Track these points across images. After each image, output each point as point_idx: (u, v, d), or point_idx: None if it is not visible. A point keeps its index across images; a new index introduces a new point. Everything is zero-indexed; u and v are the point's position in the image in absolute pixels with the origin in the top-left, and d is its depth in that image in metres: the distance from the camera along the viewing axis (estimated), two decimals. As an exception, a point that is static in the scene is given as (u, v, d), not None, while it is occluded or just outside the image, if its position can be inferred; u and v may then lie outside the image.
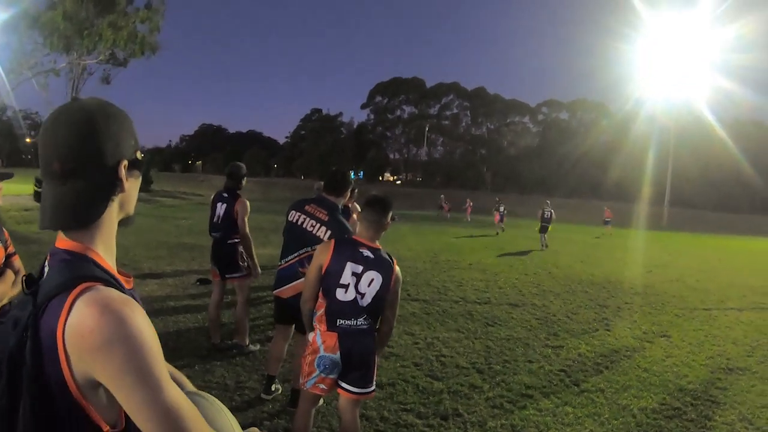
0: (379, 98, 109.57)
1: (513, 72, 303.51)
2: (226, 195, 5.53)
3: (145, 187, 29.25)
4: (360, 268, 3.06)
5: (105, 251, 1.09)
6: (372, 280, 3.07)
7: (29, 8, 26.80)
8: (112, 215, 1.11)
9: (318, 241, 3.90)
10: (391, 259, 3.19)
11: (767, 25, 62.39)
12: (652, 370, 5.99)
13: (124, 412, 1.00)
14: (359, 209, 4.47)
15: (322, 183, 4.45)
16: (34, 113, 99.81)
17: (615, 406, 4.89)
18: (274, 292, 4.31)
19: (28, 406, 0.94)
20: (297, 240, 4.09)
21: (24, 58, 29.22)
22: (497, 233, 25.75)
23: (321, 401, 4.17)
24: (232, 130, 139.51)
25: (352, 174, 6.01)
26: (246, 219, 5.45)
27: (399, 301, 3.27)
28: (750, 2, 63.52)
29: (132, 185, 1.14)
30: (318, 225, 4.00)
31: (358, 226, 3.35)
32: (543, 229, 20.42)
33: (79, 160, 1.03)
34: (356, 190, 5.90)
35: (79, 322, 0.92)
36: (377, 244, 3.19)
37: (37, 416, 0.94)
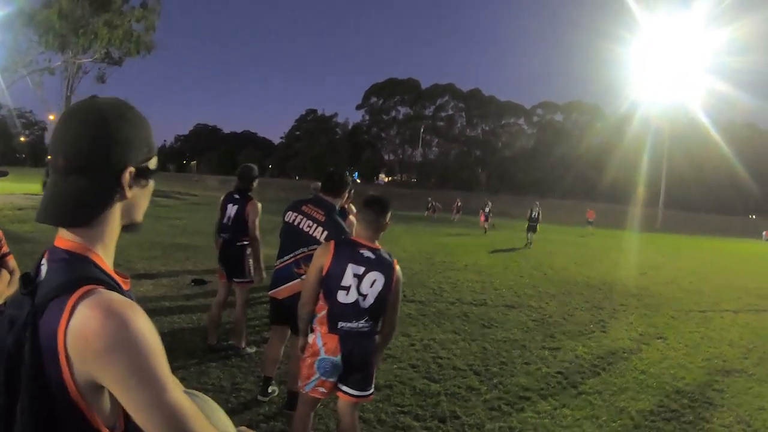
0: (374, 99, 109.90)
1: (508, 74, 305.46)
2: (237, 196, 5.41)
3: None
4: (362, 269, 3.02)
5: (105, 253, 1.08)
6: (374, 280, 3.03)
7: (24, 6, 26.75)
8: (114, 219, 1.09)
9: (314, 241, 3.88)
10: (392, 259, 3.16)
11: (762, 27, 63.11)
12: (649, 372, 5.98)
13: (123, 415, 1.00)
14: (354, 210, 4.43)
15: (319, 183, 4.42)
16: (29, 112, 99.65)
17: (613, 408, 4.88)
18: (270, 292, 4.26)
19: (26, 405, 0.93)
20: (293, 240, 4.06)
21: (19, 57, 29.17)
22: (485, 231, 27.18)
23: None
24: (226, 130, 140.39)
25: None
26: (257, 222, 5.35)
27: (400, 301, 3.23)
28: (745, 5, 64.15)
29: (138, 193, 1.12)
30: (315, 225, 3.97)
31: (355, 227, 3.32)
32: (530, 228, 21.36)
33: (84, 159, 1.02)
34: (352, 191, 5.86)
35: (82, 325, 0.91)
36: (377, 244, 3.16)
37: (36, 416, 0.93)
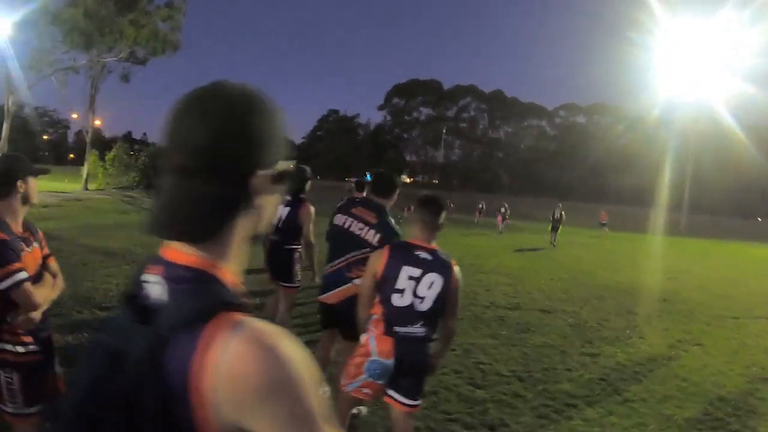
0: (396, 100, 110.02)
1: (531, 75, 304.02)
2: (290, 198, 5.06)
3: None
4: (418, 272, 2.95)
5: (231, 270, 0.90)
6: (432, 282, 2.94)
7: (49, 5, 26.64)
8: (242, 229, 0.91)
9: (366, 244, 3.85)
10: (450, 260, 3.07)
11: (790, 29, 61.64)
12: (691, 380, 5.98)
13: None
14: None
15: (354, 182, 4.37)
16: (52, 111, 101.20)
17: (659, 416, 4.89)
18: (319, 297, 4.20)
19: None
20: (344, 244, 4.02)
21: (43, 55, 29.19)
22: (500, 232, 27.95)
23: (365, 410, 4.14)
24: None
25: (368, 176, 5.93)
26: (311, 226, 5.12)
27: (459, 305, 3.16)
28: (771, 6, 62.78)
29: (268, 202, 0.93)
30: (366, 228, 3.93)
31: (411, 228, 3.22)
32: (554, 228, 22.99)
33: (211, 158, 0.83)
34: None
35: (237, 364, 0.75)
36: (434, 245, 3.08)
37: None
